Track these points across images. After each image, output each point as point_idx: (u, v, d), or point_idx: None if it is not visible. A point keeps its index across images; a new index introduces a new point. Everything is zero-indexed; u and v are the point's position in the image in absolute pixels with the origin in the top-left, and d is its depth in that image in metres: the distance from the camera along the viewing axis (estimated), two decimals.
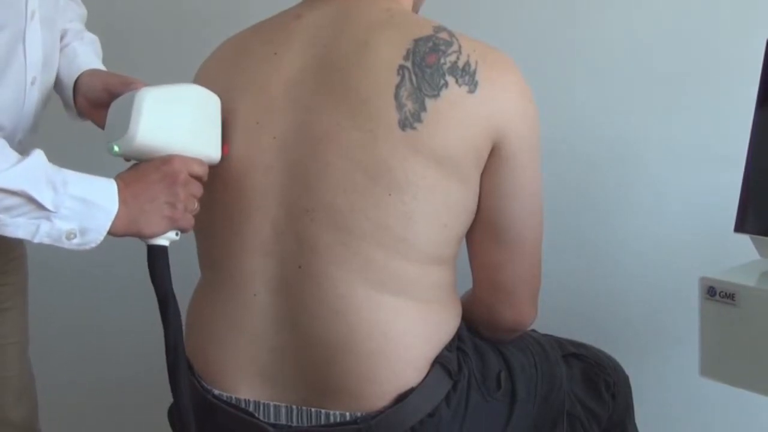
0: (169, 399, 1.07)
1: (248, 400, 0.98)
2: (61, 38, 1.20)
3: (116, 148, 0.94)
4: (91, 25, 1.29)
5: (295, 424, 0.97)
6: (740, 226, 1.00)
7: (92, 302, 1.88)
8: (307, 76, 0.97)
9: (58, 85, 1.19)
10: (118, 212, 0.90)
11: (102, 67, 1.21)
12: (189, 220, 0.97)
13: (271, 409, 0.98)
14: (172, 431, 1.07)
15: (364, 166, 0.92)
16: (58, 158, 0.93)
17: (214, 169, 1.00)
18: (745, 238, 1.01)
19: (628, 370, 1.23)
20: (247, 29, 1.08)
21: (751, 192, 1.00)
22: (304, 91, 0.97)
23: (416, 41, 0.95)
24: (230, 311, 0.99)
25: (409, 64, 0.93)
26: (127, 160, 1.01)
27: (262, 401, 0.98)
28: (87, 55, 1.20)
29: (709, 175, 1.52)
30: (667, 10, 1.55)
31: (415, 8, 1.11)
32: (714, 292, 0.99)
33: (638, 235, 1.59)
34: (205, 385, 1.00)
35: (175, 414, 0.97)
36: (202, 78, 1.07)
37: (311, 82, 0.97)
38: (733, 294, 0.97)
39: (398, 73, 0.93)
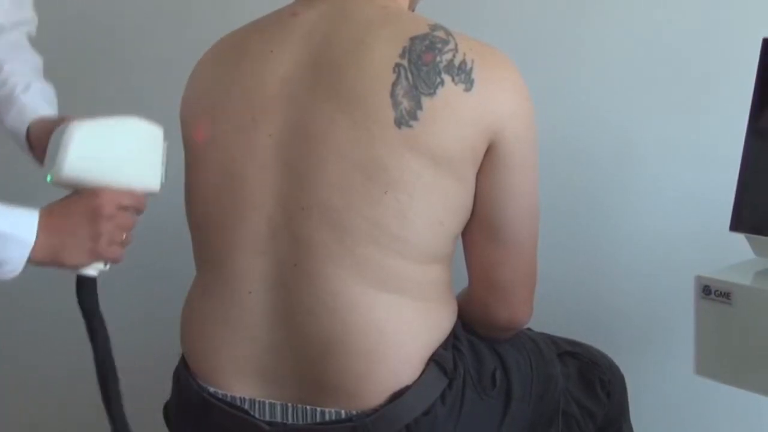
0: (163, 397, 1.07)
1: (243, 398, 0.98)
2: (5, 83, 1.20)
3: (49, 178, 0.97)
4: (88, 24, 1.29)
5: (290, 422, 0.97)
6: (735, 225, 1.00)
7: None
8: (303, 74, 0.97)
9: (12, 136, 1.20)
10: (37, 243, 0.92)
11: (52, 112, 1.19)
12: (114, 252, 0.99)
13: (267, 407, 0.97)
14: (167, 428, 1.08)
15: (360, 164, 0.92)
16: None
17: (210, 165, 1.00)
18: (740, 237, 1.01)
19: (624, 369, 1.23)
20: (244, 27, 1.08)
21: (746, 191, 1.01)
22: (300, 88, 0.97)
23: (412, 39, 0.94)
24: (226, 309, 0.99)
25: (405, 62, 0.93)
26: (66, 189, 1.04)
27: (257, 399, 0.98)
28: (33, 106, 1.19)
29: (706, 174, 1.52)
30: (666, 10, 1.55)
31: (411, 7, 1.10)
32: (709, 291, 0.99)
33: (635, 234, 1.59)
34: (200, 383, 1.00)
35: None
36: (198, 75, 1.07)
37: (307, 80, 0.97)
38: (728, 293, 0.97)
39: (394, 71, 0.93)
